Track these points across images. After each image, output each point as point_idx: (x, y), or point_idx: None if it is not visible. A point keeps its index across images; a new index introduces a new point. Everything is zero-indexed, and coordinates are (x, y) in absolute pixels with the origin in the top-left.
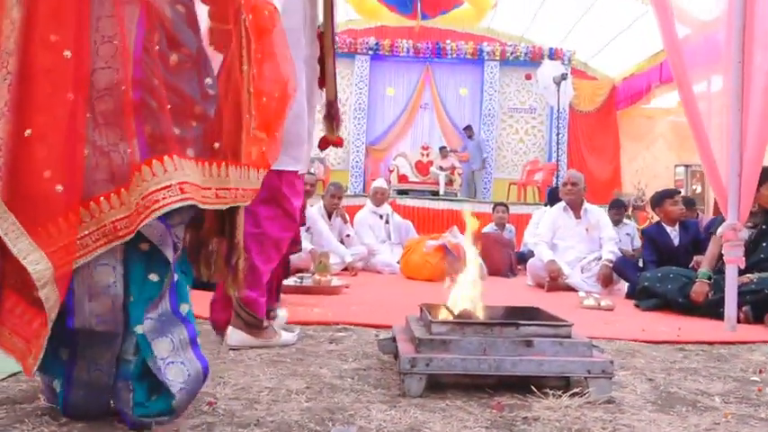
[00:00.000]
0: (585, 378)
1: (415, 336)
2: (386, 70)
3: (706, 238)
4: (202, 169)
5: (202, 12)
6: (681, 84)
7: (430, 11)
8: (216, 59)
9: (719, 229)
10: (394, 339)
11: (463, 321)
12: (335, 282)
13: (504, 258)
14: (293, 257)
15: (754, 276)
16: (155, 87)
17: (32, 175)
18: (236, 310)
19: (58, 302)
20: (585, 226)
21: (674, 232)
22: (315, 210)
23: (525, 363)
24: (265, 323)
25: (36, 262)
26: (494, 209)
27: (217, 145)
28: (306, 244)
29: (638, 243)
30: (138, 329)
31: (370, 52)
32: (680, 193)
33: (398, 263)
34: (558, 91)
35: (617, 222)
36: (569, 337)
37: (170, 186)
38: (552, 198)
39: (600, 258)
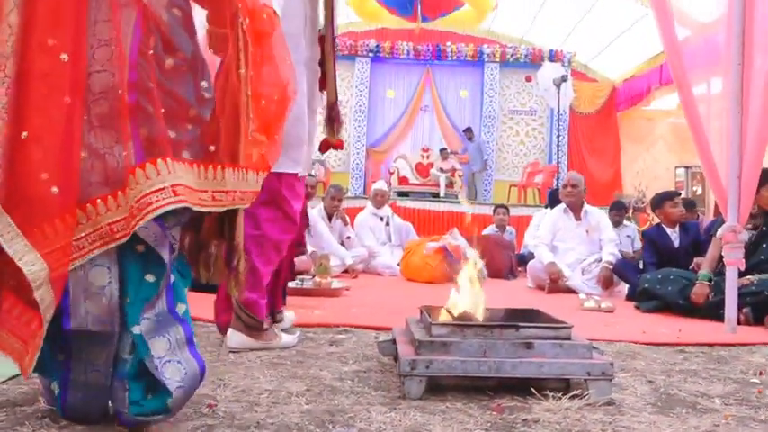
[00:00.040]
0: (585, 380)
1: (415, 338)
2: (386, 72)
3: (706, 239)
4: (198, 172)
5: (201, 15)
6: (680, 86)
7: (430, 13)
8: (215, 63)
9: (719, 231)
10: (394, 341)
11: (463, 323)
12: (336, 284)
13: (505, 260)
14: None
15: (754, 278)
16: (150, 91)
17: (29, 177)
18: (236, 311)
19: (53, 303)
20: (586, 228)
21: (674, 234)
22: (315, 212)
23: (525, 365)
24: (265, 325)
25: (31, 263)
26: (494, 211)
27: (212, 148)
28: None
29: (638, 245)
30: (136, 330)
31: (371, 54)
32: (680, 194)
33: (399, 265)
34: (559, 93)
35: (617, 224)
36: (569, 338)
37: (163, 189)
38: (553, 200)
39: (600, 260)
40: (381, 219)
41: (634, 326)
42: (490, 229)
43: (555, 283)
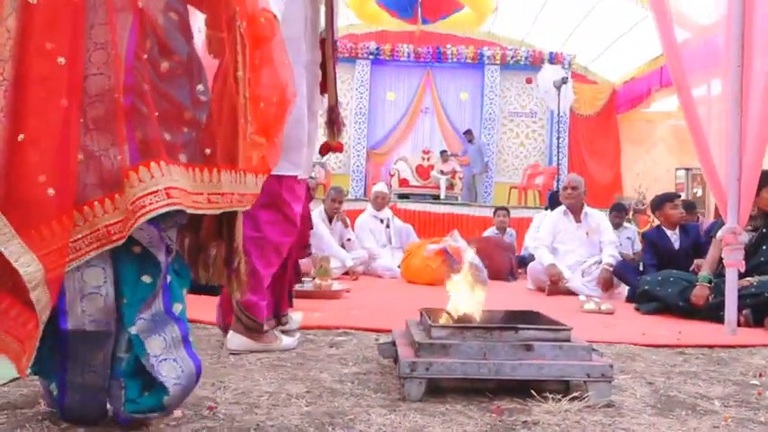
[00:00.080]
0: (585, 382)
1: (414, 340)
2: (386, 75)
3: (706, 241)
4: (193, 174)
5: (201, 19)
6: (680, 88)
7: (430, 15)
8: (215, 67)
9: (719, 233)
10: (394, 343)
11: (463, 325)
12: (336, 286)
13: (505, 262)
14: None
15: (754, 280)
16: (145, 93)
17: (26, 179)
18: (236, 314)
19: (49, 304)
20: (586, 230)
21: (674, 236)
22: (315, 214)
23: (525, 367)
24: (266, 327)
25: (27, 264)
26: (495, 213)
27: (208, 151)
28: None
29: (638, 247)
30: (132, 330)
31: (371, 57)
32: (680, 196)
33: (399, 267)
34: (559, 95)
35: (617, 225)
36: (569, 340)
37: (156, 192)
38: (553, 202)
39: (600, 262)
40: (382, 221)
41: (634, 328)
42: (491, 231)
43: (555, 285)
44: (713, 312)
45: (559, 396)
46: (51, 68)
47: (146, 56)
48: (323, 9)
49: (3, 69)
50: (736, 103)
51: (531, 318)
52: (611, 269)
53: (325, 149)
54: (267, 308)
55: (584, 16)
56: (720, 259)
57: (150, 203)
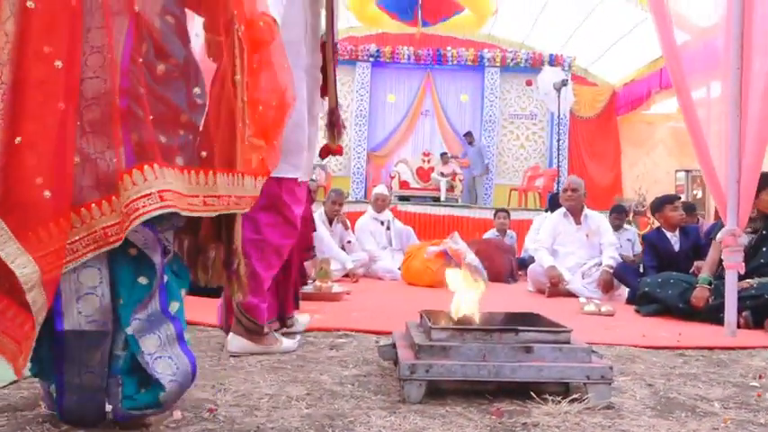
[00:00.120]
0: (585, 384)
1: (414, 342)
2: (387, 77)
3: (706, 243)
4: (188, 177)
5: (199, 23)
6: (679, 90)
7: (430, 18)
8: (213, 70)
9: (719, 235)
10: (394, 346)
11: (463, 328)
12: (336, 288)
13: (506, 264)
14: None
15: (753, 282)
16: (141, 96)
17: (23, 181)
18: (236, 316)
19: (45, 306)
20: (586, 232)
21: (674, 238)
22: (316, 216)
23: (525, 369)
24: (266, 329)
25: (23, 266)
26: (495, 215)
27: (204, 153)
28: None
29: (638, 248)
30: (128, 330)
31: (371, 59)
32: (680, 198)
33: (399, 269)
34: (559, 97)
35: (617, 227)
36: (568, 342)
37: (149, 195)
38: (553, 204)
39: (600, 264)
40: (382, 223)
41: (634, 329)
42: (491, 233)
43: (555, 287)
44: (713, 314)
45: (559, 398)
46: (49, 72)
47: (141, 59)
48: (323, 13)
49: (1, 73)
50: (735, 105)
51: (530, 320)
52: (612, 271)
53: (324, 152)
54: (269, 310)
55: (584, 18)
56: (720, 261)
57: (143, 206)
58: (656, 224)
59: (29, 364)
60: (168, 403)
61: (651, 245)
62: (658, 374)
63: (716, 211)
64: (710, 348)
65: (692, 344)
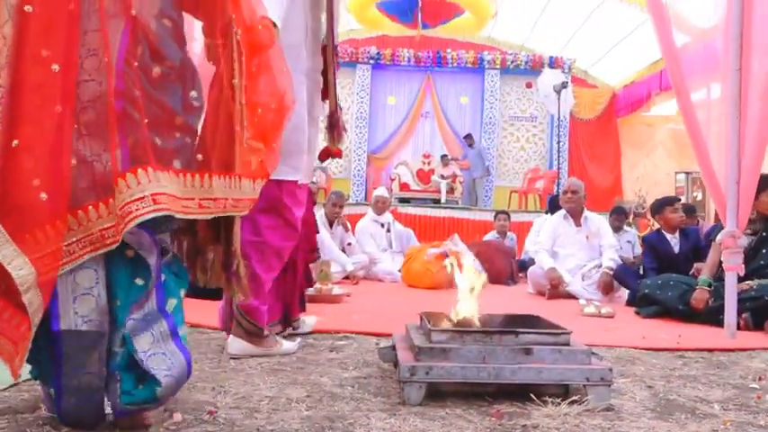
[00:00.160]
0: (584, 385)
1: (414, 344)
2: (387, 79)
3: (706, 245)
4: (183, 180)
5: (199, 27)
6: (679, 92)
7: (431, 20)
8: (212, 74)
9: (719, 237)
10: (394, 348)
11: (462, 330)
12: (337, 290)
13: (506, 266)
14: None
15: (753, 283)
16: (136, 99)
17: (20, 184)
18: (237, 318)
19: (41, 307)
20: (586, 234)
21: (674, 239)
22: (316, 218)
23: (524, 371)
24: (266, 332)
25: (19, 267)
26: (495, 217)
27: (200, 156)
28: None
29: (638, 250)
30: (124, 330)
31: (372, 61)
32: (680, 200)
33: (400, 271)
34: (559, 99)
35: (617, 229)
36: (568, 344)
37: (143, 198)
38: (553, 206)
39: (600, 266)
40: (382, 225)
41: (634, 331)
42: (491, 235)
43: (555, 289)
44: (713, 316)
45: (559, 400)
46: (46, 75)
47: (136, 62)
48: (324, 17)
49: None
50: (735, 107)
51: (530, 322)
52: (612, 273)
53: (324, 155)
54: (270, 312)
55: (584, 20)
56: (720, 263)
57: (137, 209)
58: (656, 226)
59: (29, 367)
60: (165, 398)
61: (651, 246)
62: (658, 376)
63: (716, 213)
64: (710, 350)
65: (691, 346)
